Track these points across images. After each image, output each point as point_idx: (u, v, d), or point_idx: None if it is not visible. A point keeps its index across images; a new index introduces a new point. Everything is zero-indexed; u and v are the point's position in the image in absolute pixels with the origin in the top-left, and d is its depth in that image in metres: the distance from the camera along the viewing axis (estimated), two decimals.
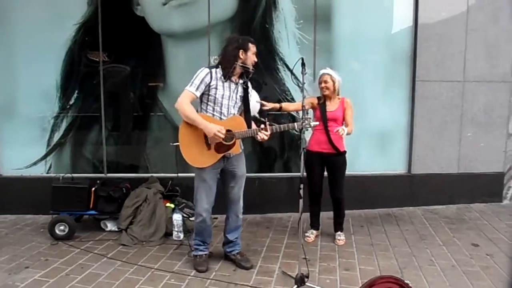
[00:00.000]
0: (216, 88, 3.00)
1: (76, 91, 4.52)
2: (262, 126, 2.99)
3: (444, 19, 4.63)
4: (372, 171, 4.72)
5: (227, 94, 3.03)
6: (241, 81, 3.10)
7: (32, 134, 4.49)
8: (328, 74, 3.59)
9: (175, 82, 4.56)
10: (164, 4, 4.40)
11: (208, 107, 3.04)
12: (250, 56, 3.03)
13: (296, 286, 2.84)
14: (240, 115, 3.10)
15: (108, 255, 3.45)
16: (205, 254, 3.28)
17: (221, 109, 3.03)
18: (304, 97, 2.91)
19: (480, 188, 4.84)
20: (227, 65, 3.00)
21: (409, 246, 3.69)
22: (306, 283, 2.86)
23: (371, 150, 4.75)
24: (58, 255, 3.44)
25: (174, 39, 4.52)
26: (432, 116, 4.70)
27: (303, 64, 3.00)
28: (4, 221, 4.24)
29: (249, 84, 3.12)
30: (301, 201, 2.89)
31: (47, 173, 4.52)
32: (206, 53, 4.45)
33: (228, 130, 2.98)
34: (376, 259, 3.44)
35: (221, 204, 3.33)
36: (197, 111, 3.04)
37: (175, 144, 3.14)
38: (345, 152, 3.68)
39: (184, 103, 2.96)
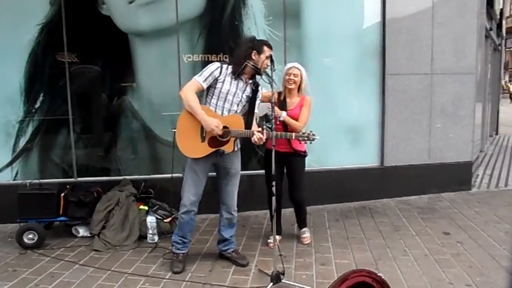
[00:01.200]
0: (223, 83, 3.03)
1: (42, 94, 4.35)
2: (259, 129, 3.02)
3: (411, 13, 4.72)
4: (345, 165, 4.78)
5: (233, 90, 3.05)
6: (250, 81, 3.11)
7: None
8: (298, 68, 3.48)
9: (144, 82, 4.47)
10: (130, 2, 4.29)
11: (212, 100, 3.05)
12: (262, 59, 3.02)
13: (272, 283, 2.83)
14: (244, 115, 3.08)
15: (80, 262, 3.36)
16: (182, 254, 3.24)
17: (224, 104, 3.04)
18: (273, 94, 2.90)
19: (450, 177, 4.98)
20: (237, 62, 3.03)
21: (383, 238, 3.76)
22: (282, 280, 2.86)
23: (343, 144, 4.81)
24: (27, 265, 3.32)
25: (142, 38, 4.42)
26: (402, 108, 4.79)
27: (271, 61, 2.98)
28: None
29: (259, 87, 3.13)
30: (273, 198, 2.89)
31: (14, 180, 4.35)
32: (176, 52, 4.37)
33: (225, 127, 2.98)
34: (351, 252, 3.48)
35: (215, 203, 3.32)
36: (203, 102, 3.07)
37: (173, 130, 3.14)
38: (304, 153, 3.54)
39: (188, 92, 2.97)
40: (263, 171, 3.62)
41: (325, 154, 4.73)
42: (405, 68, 4.75)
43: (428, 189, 4.93)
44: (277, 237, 3.66)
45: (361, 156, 4.86)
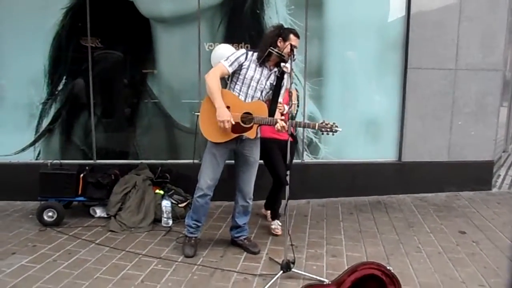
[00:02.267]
0: (247, 69, 3.05)
1: (65, 77, 4.45)
2: (282, 117, 3.03)
3: (438, 7, 4.59)
4: (362, 159, 4.73)
5: (257, 77, 3.06)
6: (275, 69, 3.11)
7: (20, 120, 4.43)
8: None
9: (165, 68, 4.52)
10: None
11: (236, 86, 3.08)
12: (288, 46, 3.00)
13: (281, 271, 2.85)
14: (267, 102, 3.09)
15: (96, 241, 3.45)
16: (195, 237, 3.29)
17: (247, 90, 3.06)
18: (291, 83, 2.89)
19: (469, 176, 4.87)
20: (262, 48, 3.04)
21: (397, 233, 3.72)
22: (292, 269, 2.88)
23: (362, 137, 4.75)
24: (46, 241, 3.44)
25: (164, 24, 4.46)
26: (423, 104, 4.69)
27: (291, 50, 2.97)
28: None
29: (285, 75, 3.11)
30: (287, 187, 2.89)
31: (36, 159, 4.48)
32: (196, 39, 4.39)
33: (248, 113, 2.99)
34: (363, 246, 3.47)
35: (230, 190, 3.35)
36: (228, 88, 3.10)
37: (196, 113, 3.14)
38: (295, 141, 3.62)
39: (212, 77, 3.00)
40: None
41: (342, 147, 4.69)
42: (428, 62, 4.63)
43: (446, 187, 4.84)
44: (278, 222, 3.69)
45: (379, 150, 4.79)
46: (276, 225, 3.68)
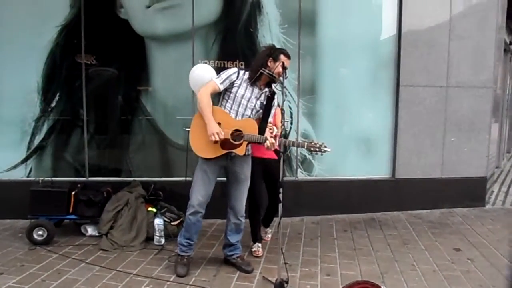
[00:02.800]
0: (238, 87, 3.08)
1: (58, 94, 4.44)
2: (272, 135, 3.05)
3: (428, 25, 4.68)
4: (356, 176, 4.73)
5: (248, 95, 3.09)
6: (266, 89, 3.13)
7: (12, 137, 4.39)
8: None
9: (159, 86, 4.53)
10: (148, 7, 4.36)
11: (227, 103, 3.10)
12: (279, 67, 3.04)
13: None
14: (257, 121, 3.10)
15: (86, 260, 3.39)
16: (187, 256, 3.24)
17: (238, 108, 3.08)
18: (284, 100, 2.91)
19: (463, 192, 4.88)
20: (253, 69, 3.08)
21: (391, 251, 3.69)
22: None
23: (355, 154, 4.77)
24: (35, 261, 3.36)
25: (158, 42, 4.49)
26: (416, 121, 4.73)
27: (283, 68, 3.00)
28: None
29: (275, 96, 3.14)
30: (280, 205, 2.87)
31: (27, 176, 4.43)
32: (190, 57, 4.42)
33: (238, 130, 3.00)
34: (358, 264, 3.43)
35: (223, 208, 3.33)
36: (218, 105, 3.13)
37: (187, 129, 3.21)
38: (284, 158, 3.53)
39: (204, 94, 3.04)
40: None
41: (336, 164, 4.70)
42: (420, 80, 4.70)
43: (440, 204, 4.84)
44: (259, 244, 3.64)
45: (373, 167, 4.80)
46: (256, 247, 3.61)
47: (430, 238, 4.00)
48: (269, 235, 3.88)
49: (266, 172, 3.51)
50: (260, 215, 3.68)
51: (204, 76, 3.34)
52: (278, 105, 3.26)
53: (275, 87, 3.17)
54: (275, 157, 3.42)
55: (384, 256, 3.59)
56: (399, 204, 4.75)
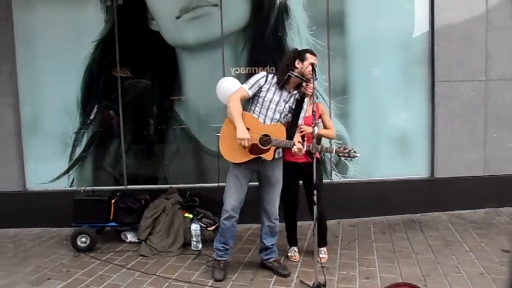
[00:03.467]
0: (267, 91, 3.10)
1: (96, 107, 4.64)
2: (300, 140, 3.04)
3: (463, 18, 4.50)
4: (393, 176, 4.60)
5: (276, 99, 3.10)
6: (295, 92, 3.14)
7: (55, 149, 4.62)
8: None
9: (191, 94, 4.63)
10: (178, 17, 4.48)
11: (256, 108, 3.13)
12: (306, 66, 3.04)
13: None
14: (285, 125, 3.11)
15: (127, 266, 3.49)
16: (224, 261, 3.27)
17: (267, 112, 3.10)
18: (314, 102, 2.88)
19: (509, 190, 4.62)
20: (280, 72, 3.10)
21: (433, 253, 3.56)
22: None
23: (391, 154, 4.64)
24: (79, 266, 3.51)
25: (189, 51, 4.59)
26: (453, 117, 4.55)
27: (313, 70, 2.98)
28: (30, 234, 4.37)
29: (305, 99, 3.15)
30: (315, 207, 2.84)
31: (70, 186, 4.64)
32: (221, 64, 4.48)
33: (266, 135, 3.02)
34: (398, 266, 3.33)
35: (258, 213, 3.33)
36: (248, 110, 3.17)
37: (217, 134, 3.26)
38: (319, 159, 3.46)
39: (233, 99, 3.08)
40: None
41: (372, 165, 4.60)
42: (457, 74, 4.52)
43: (484, 203, 4.61)
44: (296, 248, 3.60)
45: (410, 167, 4.66)
46: (292, 252, 3.58)
47: (475, 239, 3.83)
48: (324, 255, 3.54)
49: (303, 176, 3.44)
50: (296, 218, 3.62)
51: (230, 89, 3.38)
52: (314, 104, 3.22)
53: (305, 89, 3.15)
54: (310, 160, 3.30)
55: (425, 258, 3.46)
56: (440, 204, 4.57)
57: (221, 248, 3.25)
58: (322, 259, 3.45)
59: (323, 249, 3.55)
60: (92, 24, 4.52)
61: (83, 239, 3.82)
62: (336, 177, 4.62)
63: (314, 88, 2.93)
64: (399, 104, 4.66)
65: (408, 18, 4.64)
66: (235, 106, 3.05)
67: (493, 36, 4.52)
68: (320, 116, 3.43)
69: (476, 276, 3.12)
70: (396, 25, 4.58)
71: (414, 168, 4.65)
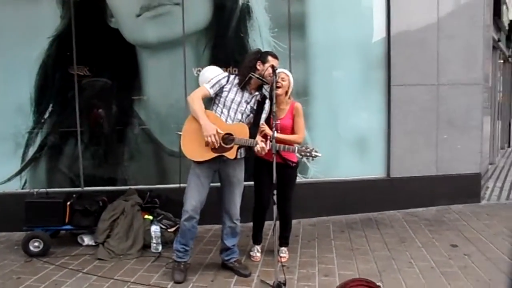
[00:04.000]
0: (228, 91, 3.10)
1: (51, 105, 4.44)
2: (263, 139, 3.04)
3: (417, 25, 4.72)
4: (351, 176, 4.74)
5: (237, 100, 3.11)
6: (257, 93, 3.15)
7: (6, 149, 4.38)
8: (286, 73, 3.39)
9: (151, 94, 4.54)
10: (138, 15, 4.38)
11: (218, 108, 3.13)
12: (268, 68, 3.04)
13: None
14: (248, 125, 3.10)
15: (83, 270, 3.37)
16: (184, 262, 3.23)
17: (228, 112, 3.10)
18: (273, 103, 2.92)
19: (458, 189, 4.90)
20: (242, 73, 3.11)
21: (388, 250, 3.70)
22: None
23: (349, 155, 4.78)
24: (31, 273, 3.34)
25: (150, 50, 4.50)
26: (408, 119, 4.76)
27: (274, 72, 3.02)
28: None
29: (266, 100, 3.16)
30: (274, 207, 2.88)
31: (22, 188, 4.42)
32: (182, 64, 4.44)
33: (229, 134, 3.01)
34: (355, 263, 3.44)
35: (219, 214, 3.32)
36: (210, 109, 3.14)
37: (178, 133, 3.22)
38: (295, 164, 3.43)
39: (195, 98, 3.07)
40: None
41: (331, 165, 4.71)
42: (411, 79, 4.74)
43: (436, 201, 4.86)
44: (258, 248, 3.62)
45: (368, 167, 4.82)
46: (255, 251, 3.59)
47: (427, 235, 4.02)
48: (284, 254, 3.56)
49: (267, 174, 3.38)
50: (264, 218, 3.57)
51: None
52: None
53: (266, 90, 3.20)
54: (280, 161, 3.31)
55: (381, 255, 3.59)
56: (395, 203, 4.77)
57: (181, 250, 3.21)
58: (282, 258, 3.47)
59: (284, 248, 3.59)
60: (47, 19, 4.32)
61: (36, 244, 3.64)
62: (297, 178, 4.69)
63: (273, 89, 2.96)
64: (358, 106, 4.81)
65: (367, 23, 4.81)
66: (198, 104, 3.04)
67: (444, 43, 4.77)
68: (293, 117, 3.36)
69: (427, 270, 3.28)
70: (355, 30, 4.73)
71: (372, 168, 4.82)
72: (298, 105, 3.41)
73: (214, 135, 2.96)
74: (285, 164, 3.36)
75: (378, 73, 4.78)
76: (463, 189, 4.91)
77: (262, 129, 3.20)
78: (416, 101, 4.77)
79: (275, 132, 2.95)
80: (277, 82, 3.28)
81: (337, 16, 4.69)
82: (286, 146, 3.12)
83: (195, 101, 3.05)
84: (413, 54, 4.73)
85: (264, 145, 2.98)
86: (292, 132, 3.38)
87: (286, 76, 3.39)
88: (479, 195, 5.03)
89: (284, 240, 3.59)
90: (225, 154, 3.05)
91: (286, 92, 3.38)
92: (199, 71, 4.44)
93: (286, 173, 3.36)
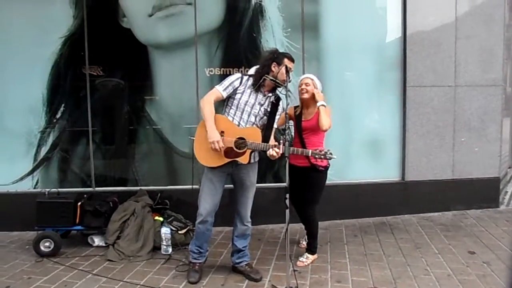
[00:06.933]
0: (242, 94, 3.05)
1: (63, 105, 4.45)
2: (276, 143, 2.98)
3: (434, 25, 4.60)
4: (365, 179, 4.64)
5: (251, 102, 3.05)
6: (270, 95, 3.10)
7: (19, 149, 4.40)
8: (310, 78, 3.42)
9: (163, 94, 4.51)
10: (150, 15, 4.36)
11: (231, 110, 3.07)
12: (282, 71, 2.99)
13: None
14: (262, 128, 3.06)
15: (93, 272, 3.35)
16: (199, 263, 3.22)
17: (241, 114, 3.05)
18: (287, 104, 2.86)
19: (476, 194, 4.76)
20: (256, 75, 3.05)
21: (403, 255, 3.60)
22: None
23: (363, 158, 4.68)
24: (41, 273, 3.34)
25: (162, 50, 4.48)
26: (424, 121, 4.64)
27: (287, 72, 2.96)
28: None
29: (280, 102, 3.10)
30: (287, 211, 2.81)
31: (34, 188, 4.43)
32: (194, 64, 4.40)
33: (242, 138, 2.96)
34: (369, 269, 3.35)
35: (231, 216, 3.29)
36: (222, 112, 3.11)
37: (191, 138, 3.18)
38: (324, 168, 3.37)
39: (206, 102, 3.00)
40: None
41: (344, 168, 4.61)
42: (427, 80, 4.62)
43: (452, 206, 4.73)
44: (308, 255, 3.52)
45: (382, 170, 4.71)
46: (303, 257, 3.49)
47: (443, 241, 3.90)
48: (304, 259, 3.48)
49: (303, 181, 3.37)
50: (303, 220, 3.57)
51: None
52: (283, 109, 3.19)
53: (280, 91, 3.14)
54: (308, 164, 3.31)
55: (396, 261, 3.50)
56: (410, 207, 4.65)
57: (196, 251, 3.21)
58: (299, 263, 3.41)
59: (306, 254, 3.49)
60: (60, 19, 4.32)
61: (47, 244, 3.64)
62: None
63: (287, 91, 2.89)
64: (372, 107, 4.71)
65: (381, 23, 4.71)
66: (208, 108, 2.99)
67: (462, 43, 4.64)
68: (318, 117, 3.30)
69: (444, 277, 3.17)
70: (369, 30, 4.63)
71: (386, 171, 4.71)
72: (328, 107, 3.35)
73: (218, 142, 2.91)
74: (312, 168, 3.31)
75: (393, 74, 4.68)
76: (481, 193, 4.77)
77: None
78: (432, 103, 4.65)
79: (287, 137, 2.89)
80: (301, 89, 3.33)
81: (351, 16, 4.60)
82: (300, 149, 3.06)
83: (206, 105, 2.99)
84: (429, 55, 4.61)
85: (277, 150, 2.91)
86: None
87: (310, 81, 3.37)
88: (497, 200, 4.88)
89: (308, 246, 3.54)
90: (238, 159, 3.00)
91: (313, 96, 3.35)
92: (211, 71, 4.42)
93: (312, 177, 3.36)
